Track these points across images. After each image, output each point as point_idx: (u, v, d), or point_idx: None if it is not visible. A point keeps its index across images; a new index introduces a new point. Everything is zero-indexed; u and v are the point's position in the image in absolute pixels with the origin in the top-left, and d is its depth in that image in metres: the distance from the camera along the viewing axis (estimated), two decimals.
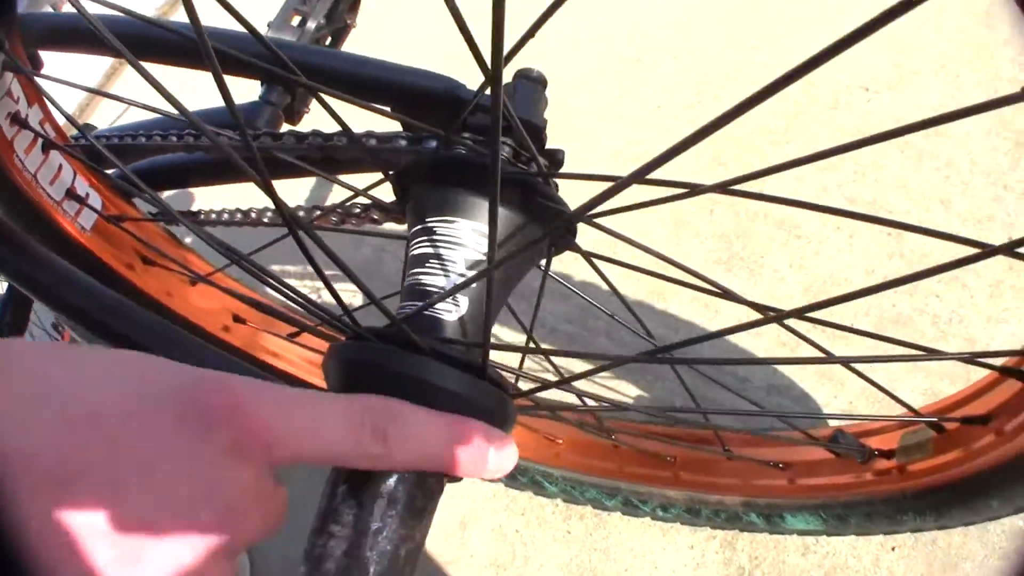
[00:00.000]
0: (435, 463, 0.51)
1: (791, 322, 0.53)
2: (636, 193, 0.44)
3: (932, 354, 0.65)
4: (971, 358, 0.62)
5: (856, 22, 0.27)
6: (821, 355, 0.69)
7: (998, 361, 0.70)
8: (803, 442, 0.93)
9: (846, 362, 0.55)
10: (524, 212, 0.65)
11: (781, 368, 1.27)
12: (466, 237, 0.63)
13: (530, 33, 0.49)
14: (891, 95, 1.53)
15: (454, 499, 1.40)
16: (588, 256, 0.75)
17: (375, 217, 0.83)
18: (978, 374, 0.75)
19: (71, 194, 0.92)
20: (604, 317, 1.43)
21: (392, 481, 0.54)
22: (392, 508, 0.54)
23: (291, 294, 0.62)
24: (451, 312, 0.61)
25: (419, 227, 0.66)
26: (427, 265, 0.63)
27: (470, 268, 0.62)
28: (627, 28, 1.96)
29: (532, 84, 0.72)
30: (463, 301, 0.62)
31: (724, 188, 0.46)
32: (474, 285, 0.62)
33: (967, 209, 1.34)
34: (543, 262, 0.77)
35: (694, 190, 0.48)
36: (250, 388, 0.43)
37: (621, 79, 1.91)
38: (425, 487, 0.55)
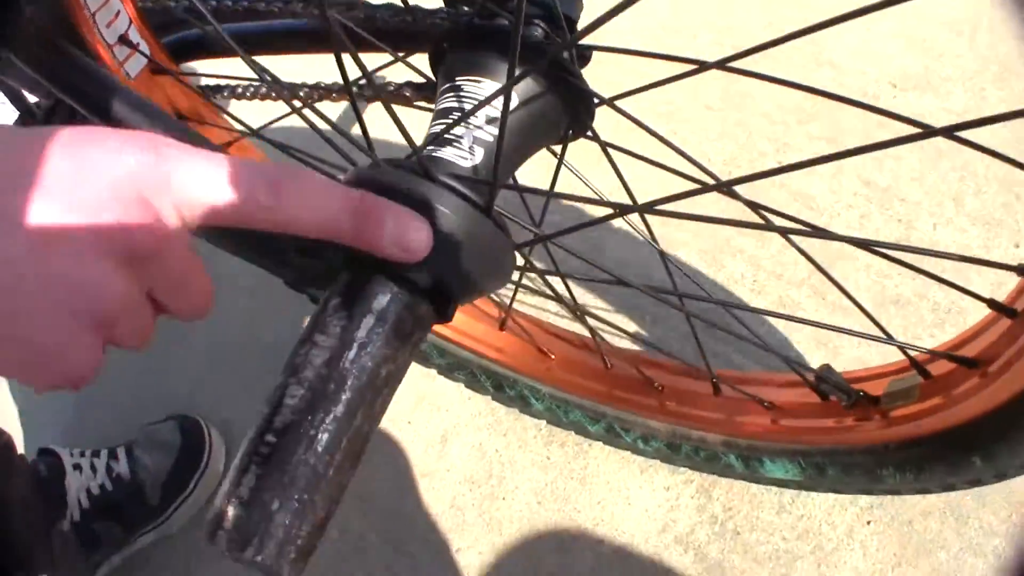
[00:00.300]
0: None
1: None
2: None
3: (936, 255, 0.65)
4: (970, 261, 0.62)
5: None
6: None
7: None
8: (790, 381, 0.93)
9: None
10: (546, 85, 0.67)
11: (776, 328, 1.27)
12: (488, 94, 0.65)
13: None
14: (917, 94, 1.54)
15: (438, 412, 1.40)
16: (604, 145, 0.76)
17: (407, 95, 0.83)
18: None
19: (123, 40, 0.93)
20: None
21: (385, 300, 0.55)
22: (380, 326, 0.55)
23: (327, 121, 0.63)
24: (466, 159, 0.64)
25: (447, 86, 0.68)
26: (449, 117, 0.66)
27: (489, 123, 0.64)
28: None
29: None
30: (479, 153, 0.64)
31: (723, 65, 0.49)
32: (490, 139, 0.64)
33: (977, 209, 1.36)
34: (559, 150, 0.77)
35: (703, 66, 0.51)
36: (176, 147, 0.46)
37: (659, 45, 1.91)
38: (417, 314, 0.57)
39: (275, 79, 0.74)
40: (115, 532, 1.50)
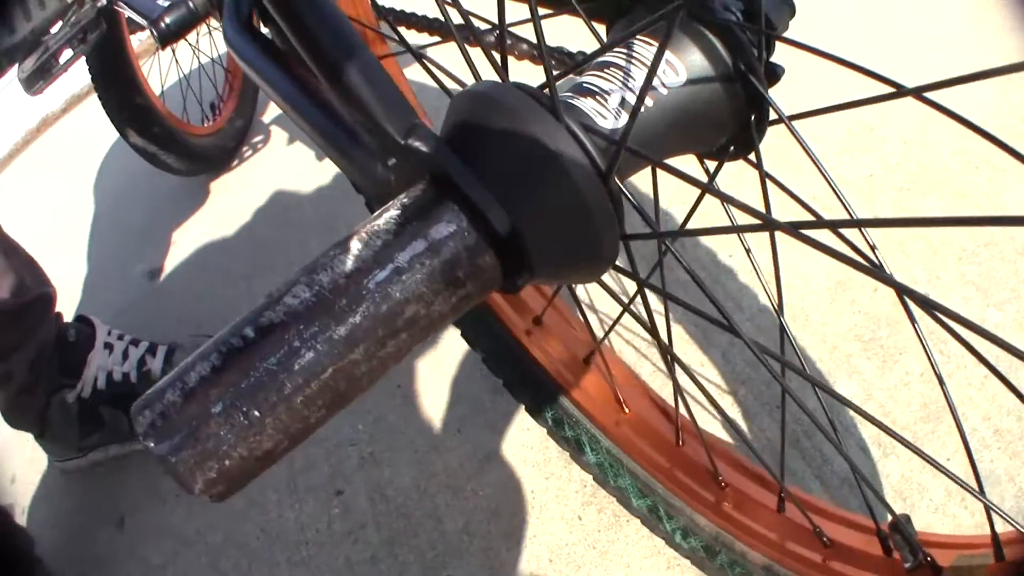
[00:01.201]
0: None
1: None
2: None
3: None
4: None
5: None
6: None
7: None
8: (859, 523, 0.86)
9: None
10: (722, 75, 0.60)
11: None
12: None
13: None
14: None
15: (490, 431, 1.35)
16: (765, 175, 0.67)
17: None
18: None
19: None
20: None
21: (447, 229, 0.47)
22: (428, 256, 0.47)
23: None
24: (606, 119, 0.56)
25: (618, 39, 0.62)
26: (607, 71, 0.60)
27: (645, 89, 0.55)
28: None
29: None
30: (623, 117, 0.57)
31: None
32: (641, 110, 0.57)
33: None
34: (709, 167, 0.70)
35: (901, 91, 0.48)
36: None
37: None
38: (476, 262, 0.50)
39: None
40: (121, 424, 1.48)
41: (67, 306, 1.88)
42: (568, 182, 0.47)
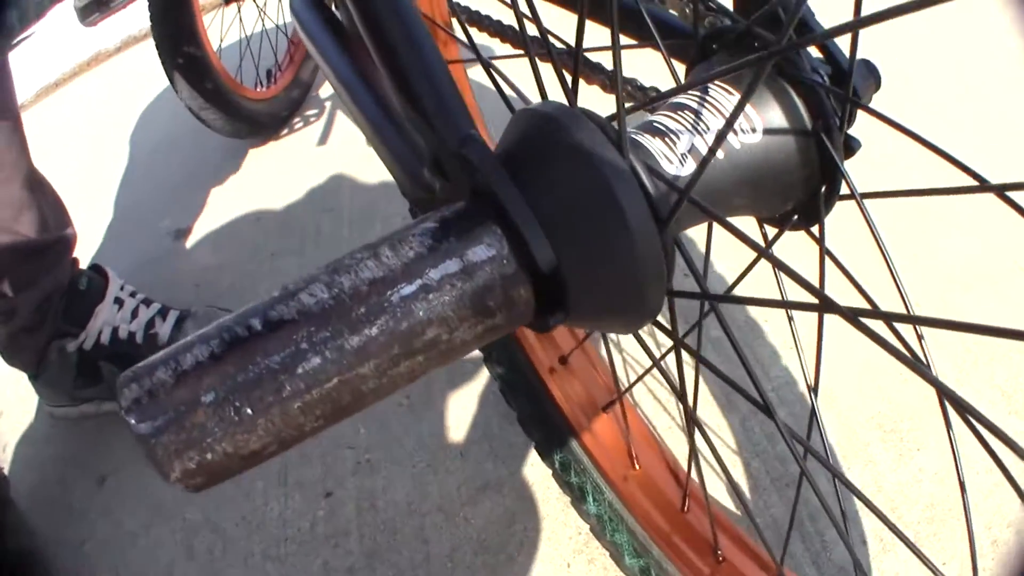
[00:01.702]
0: None
1: None
2: None
3: None
4: None
5: None
6: None
7: None
8: None
9: None
10: (798, 136, 0.58)
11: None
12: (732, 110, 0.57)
13: None
14: None
15: (494, 460, 1.33)
16: (826, 252, 0.64)
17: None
18: None
19: None
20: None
21: (485, 253, 0.46)
22: (461, 279, 0.45)
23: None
24: (671, 163, 0.55)
25: (697, 81, 0.61)
26: (679, 113, 0.58)
27: (718, 141, 0.54)
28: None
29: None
30: (689, 164, 0.55)
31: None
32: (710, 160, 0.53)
33: None
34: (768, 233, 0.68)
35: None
36: None
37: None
38: (510, 293, 0.47)
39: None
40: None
41: (86, 250, 1.88)
42: (623, 225, 0.45)
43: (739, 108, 0.44)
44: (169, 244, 1.99)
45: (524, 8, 0.59)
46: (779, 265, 0.49)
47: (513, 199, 0.45)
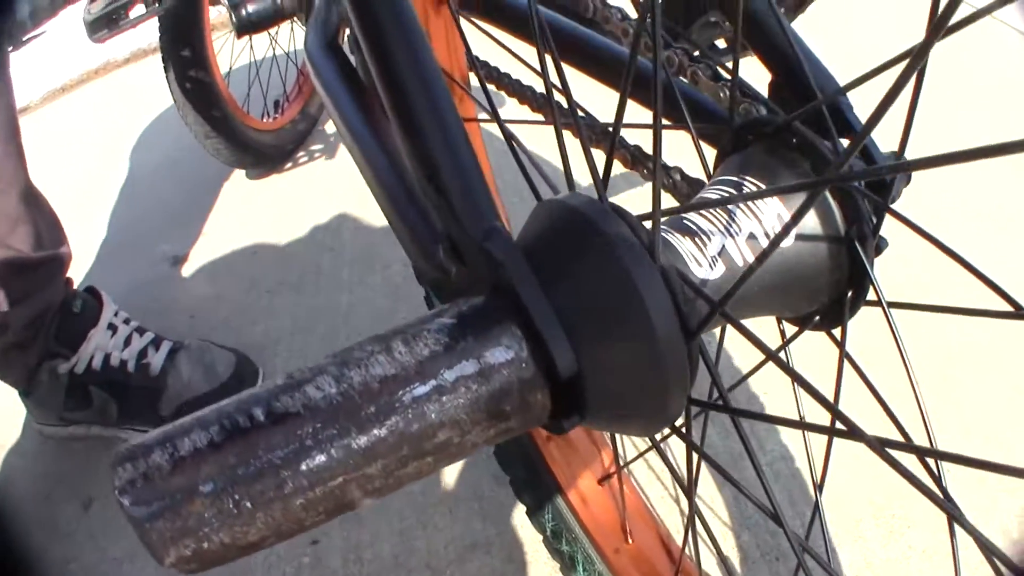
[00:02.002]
0: None
1: None
2: None
3: None
4: None
5: None
6: None
7: None
8: None
9: None
10: (830, 241, 0.57)
11: None
12: (767, 214, 0.56)
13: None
14: None
15: (482, 519, 1.32)
16: (845, 357, 0.63)
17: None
18: None
19: None
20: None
21: (503, 356, 0.44)
22: (477, 382, 0.44)
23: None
24: (701, 268, 0.53)
25: (730, 175, 0.60)
26: (711, 212, 0.56)
27: (749, 242, 0.55)
28: None
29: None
30: (718, 268, 0.54)
31: None
32: (738, 261, 0.54)
33: None
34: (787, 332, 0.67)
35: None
36: None
37: None
38: (527, 398, 0.45)
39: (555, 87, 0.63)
40: (108, 409, 1.46)
41: (79, 267, 1.87)
42: (650, 335, 0.43)
43: (788, 227, 0.42)
44: (165, 270, 1.98)
45: (554, 78, 0.58)
46: (800, 382, 0.47)
47: (536, 302, 0.44)
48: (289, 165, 2.32)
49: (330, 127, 2.46)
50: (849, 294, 0.59)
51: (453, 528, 1.30)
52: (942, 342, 1.48)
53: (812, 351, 0.77)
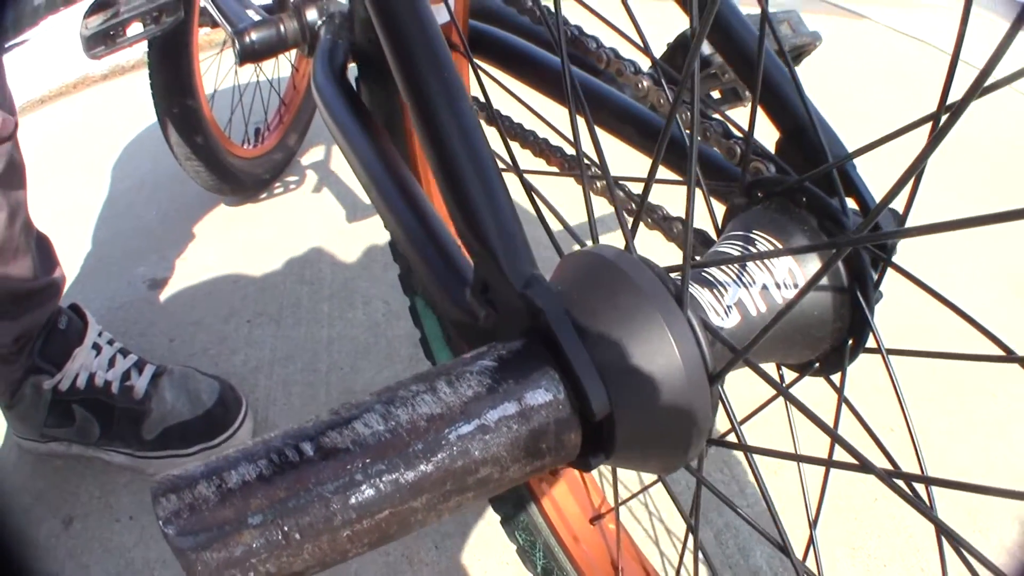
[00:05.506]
0: None
1: None
2: None
3: None
4: None
5: None
6: None
7: None
8: None
9: None
10: (833, 292, 0.61)
11: None
12: (779, 268, 0.60)
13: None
14: None
15: (467, 554, 1.33)
16: (843, 400, 0.66)
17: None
18: None
19: None
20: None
21: (543, 398, 0.47)
22: (518, 422, 0.47)
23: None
24: (718, 317, 0.57)
25: (744, 230, 0.63)
26: (728, 267, 0.60)
27: (762, 293, 0.58)
28: None
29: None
30: (733, 317, 0.58)
31: None
32: (752, 311, 0.58)
33: None
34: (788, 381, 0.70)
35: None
36: None
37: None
38: (562, 437, 0.49)
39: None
40: (90, 428, 1.46)
41: None
42: (679, 380, 0.47)
43: (809, 285, 0.45)
44: (143, 292, 1.97)
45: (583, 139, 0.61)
46: (815, 420, 0.50)
47: (574, 347, 0.47)
48: (264, 195, 2.33)
49: (306, 159, 2.49)
50: (850, 342, 0.63)
51: (440, 563, 1.31)
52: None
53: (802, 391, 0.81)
